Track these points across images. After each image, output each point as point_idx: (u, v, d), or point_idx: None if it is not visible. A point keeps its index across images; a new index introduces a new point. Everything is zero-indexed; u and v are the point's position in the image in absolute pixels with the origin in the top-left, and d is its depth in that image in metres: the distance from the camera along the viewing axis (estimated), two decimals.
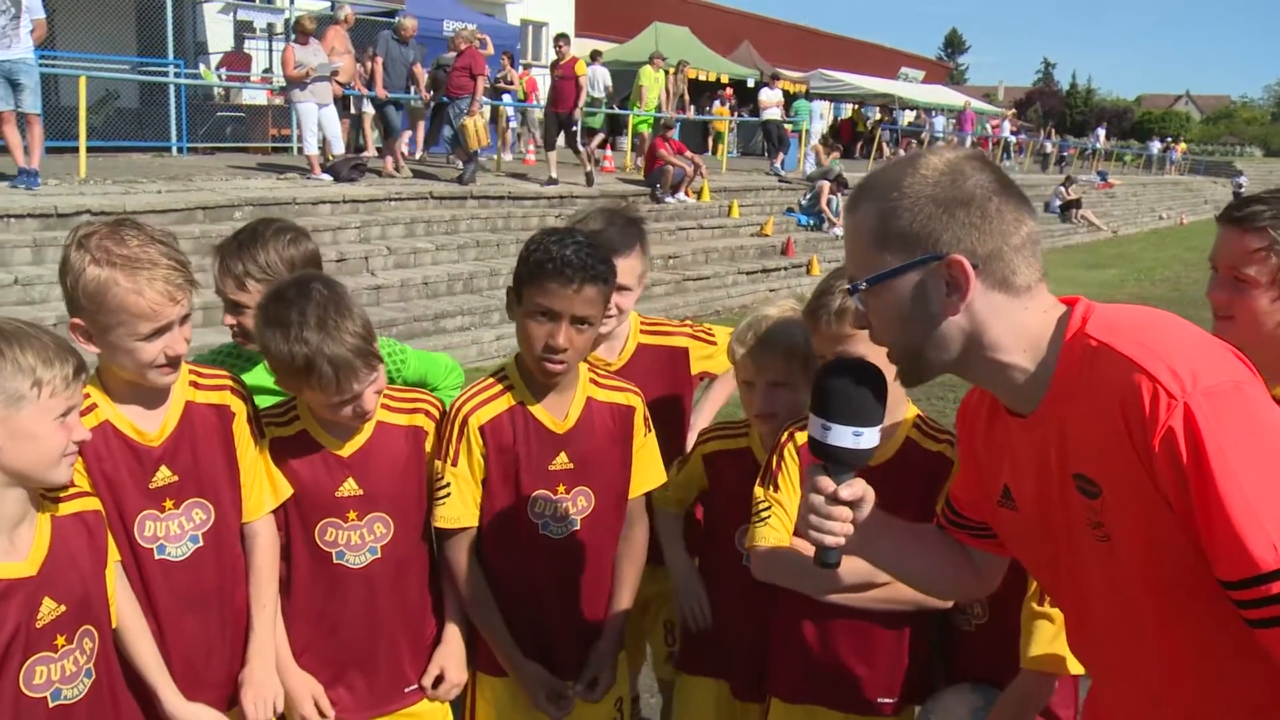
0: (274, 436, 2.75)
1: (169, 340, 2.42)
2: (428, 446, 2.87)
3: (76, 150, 12.57)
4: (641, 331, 3.37)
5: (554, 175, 16.10)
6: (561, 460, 2.85)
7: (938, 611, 2.88)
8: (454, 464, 2.81)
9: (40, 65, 11.34)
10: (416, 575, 2.90)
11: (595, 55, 20.74)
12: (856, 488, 1.89)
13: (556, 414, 2.86)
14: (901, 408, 2.80)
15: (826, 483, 1.88)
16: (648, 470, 3.03)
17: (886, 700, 2.86)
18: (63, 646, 2.21)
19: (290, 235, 3.06)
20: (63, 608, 2.21)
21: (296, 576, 2.80)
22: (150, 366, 2.43)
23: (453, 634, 2.94)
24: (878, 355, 1.90)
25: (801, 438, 2.77)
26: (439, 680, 2.92)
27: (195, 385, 2.64)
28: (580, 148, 16.96)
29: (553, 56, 17.65)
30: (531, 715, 2.96)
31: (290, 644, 2.81)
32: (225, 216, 11.34)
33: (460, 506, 2.82)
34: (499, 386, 2.87)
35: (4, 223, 9.96)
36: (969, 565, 2.19)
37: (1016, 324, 1.72)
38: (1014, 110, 50.48)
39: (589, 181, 16.64)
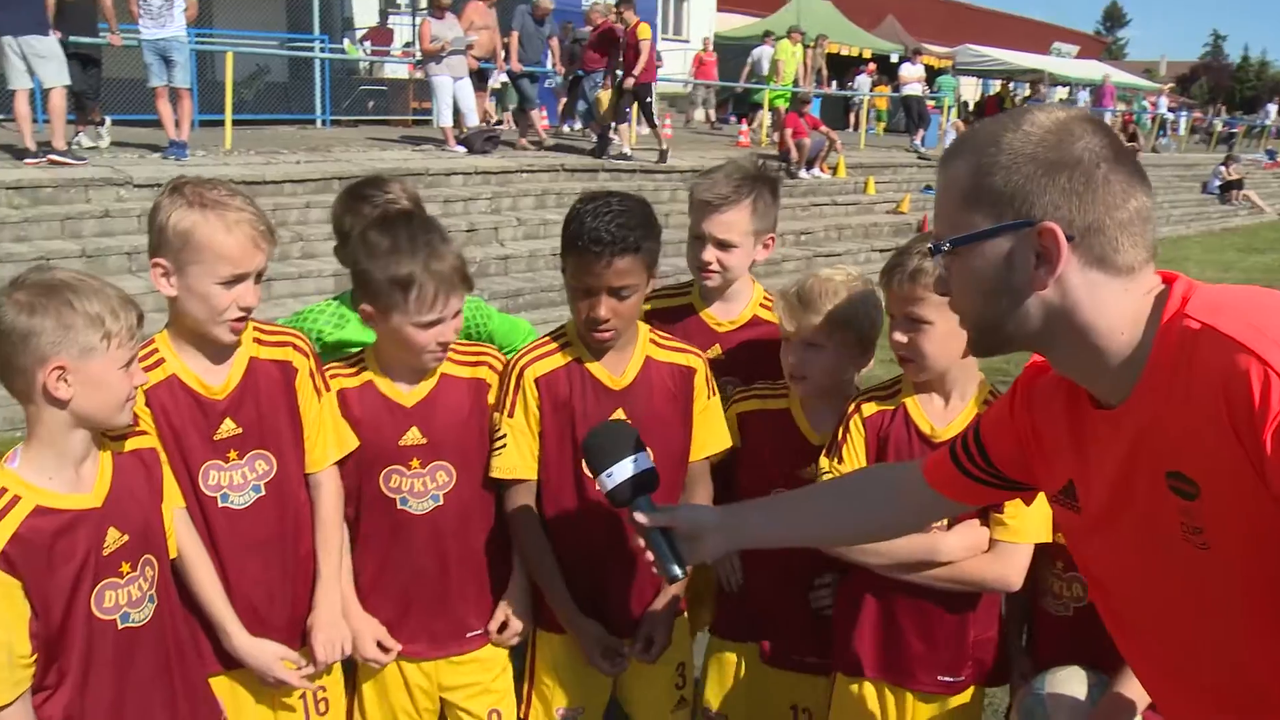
0: (341, 388, 2.84)
1: (242, 291, 2.53)
2: (490, 399, 2.93)
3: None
4: (761, 305, 3.30)
5: (626, 150, 15.33)
6: (618, 417, 2.85)
7: (1025, 595, 2.83)
8: (510, 415, 2.86)
9: (195, 42, 11.79)
10: (481, 524, 2.95)
11: (766, 35, 20.54)
12: (644, 516, 2.18)
13: (614, 371, 2.88)
14: (972, 384, 2.74)
15: (634, 518, 2.20)
16: (710, 433, 3.00)
17: (947, 679, 2.81)
18: (128, 573, 2.34)
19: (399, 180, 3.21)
20: (126, 537, 2.33)
21: (362, 522, 2.88)
22: (219, 316, 2.52)
23: (517, 583, 2.99)
24: (950, 321, 1.83)
25: (869, 409, 2.78)
26: (503, 626, 2.98)
27: (259, 341, 2.73)
28: (655, 123, 15.64)
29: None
30: (590, 673, 2.98)
31: (356, 587, 2.90)
32: None
33: (516, 458, 2.86)
34: (557, 343, 2.90)
35: (154, 191, 10.29)
36: (902, 507, 2.17)
37: (1114, 306, 1.55)
38: (1172, 85, 48.27)
39: (661, 159, 15.51)
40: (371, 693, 3.00)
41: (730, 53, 26.26)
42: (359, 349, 2.98)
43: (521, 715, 3.10)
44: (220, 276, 2.49)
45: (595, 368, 2.88)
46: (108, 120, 12.57)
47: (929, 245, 1.72)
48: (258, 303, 2.60)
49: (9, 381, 2.20)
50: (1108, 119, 27.90)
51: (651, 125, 15.45)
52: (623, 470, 2.23)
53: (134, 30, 11.52)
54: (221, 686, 2.71)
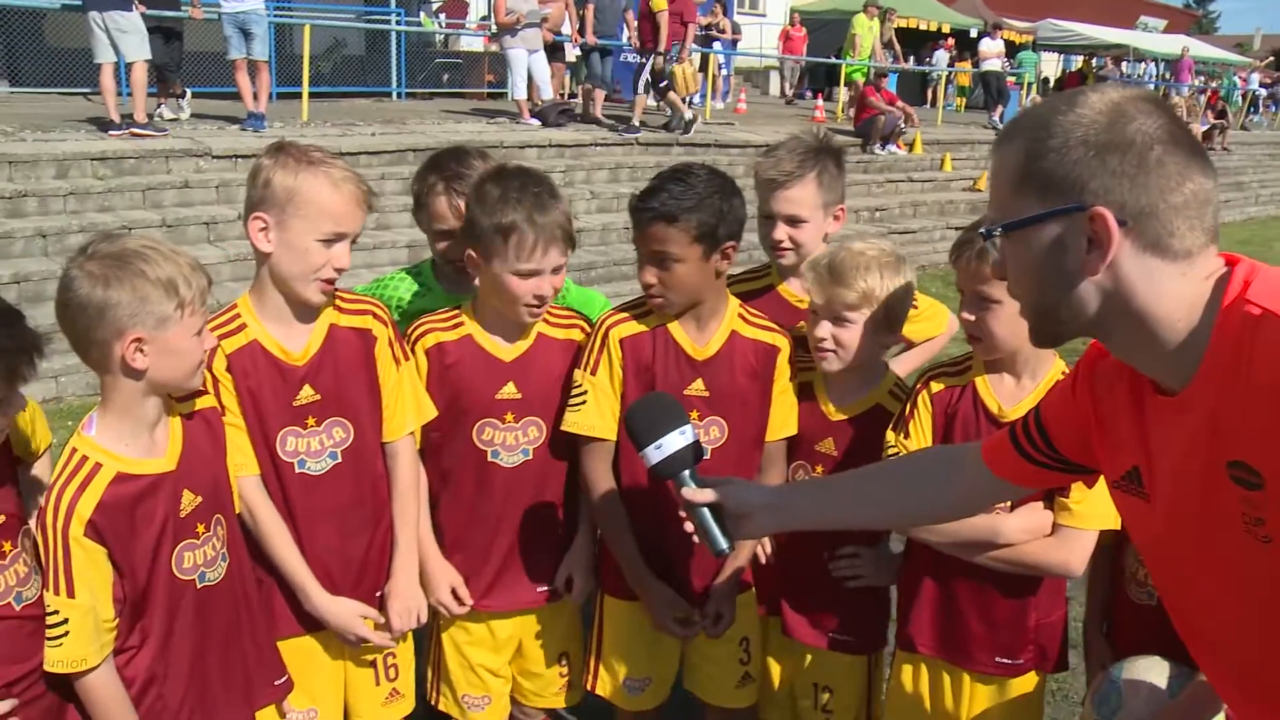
0: (438, 341, 2.87)
1: (339, 251, 2.55)
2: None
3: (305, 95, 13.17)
4: None
5: (636, 122, 14.49)
6: (697, 386, 2.88)
7: (1107, 581, 2.82)
8: (593, 373, 2.89)
9: (273, 15, 11.91)
10: (558, 480, 3.00)
11: (887, 14, 20.25)
12: (693, 491, 2.20)
13: (697, 341, 2.89)
14: (1045, 366, 2.69)
15: (681, 493, 2.22)
16: (788, 415, 2.99)
17: (1005, 661, 2.78)
18: (203, 534, 2.39)
19: (488, 155, 3.21)
20: (199, 498, 2.38)
21: (453, 472, 2.93)
22: (314, 275, 2.54)
23: (580, 543, 3.05)
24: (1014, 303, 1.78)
25: (937, 386, 2.75)
26: (569, 584, 3.02)
27: (339, 309, 2.74)
28: (664, 95, 14.77)
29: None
30: (655, 640, 3.01)
31: (439, 537, 2.94)
32: None
33: (595, 416, 2.88)
34: (646, 306, 2.91)
35: (232, 162, 10.50)
36: (958, 490, 2.14)
37: (1170, 292, 1.51)
38: (1270, 59, 46.61)
39: (682, 128, 14.75)
40: (449, 646, 3.05)
41: (809, 27, 25.97)
42: (454, 306, 2.99)
43: (589, 685, 3.13)
44: (322, 232, 2.51)
45: (680, 334, 2.89)
46: (188, 93, 12.76)
47: (981, 230, 1.69)
48: (348, 266, 2.61)
49: (85, 353, 2.22)
50: (1183, 95, 27.17)
51: (661, 96, 14.85)
52: (671, 443, 2.24)
53: (214, 4, 11.68)
54: (297, 649, 2.76)
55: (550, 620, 3.10)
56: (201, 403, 2.49)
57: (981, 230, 1.68)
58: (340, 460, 2.72)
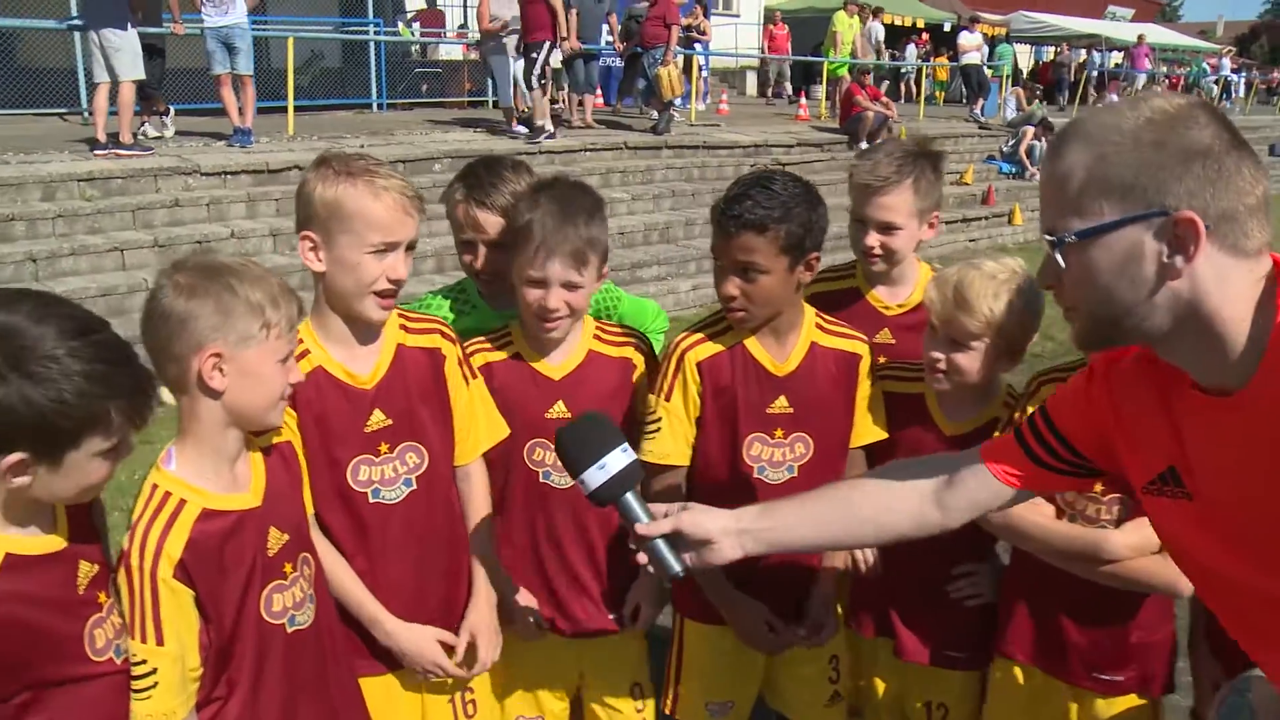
0: (486, 362, 2.77)
1: (393, 262, 2.42)
2: (634, 379, 2.88)
3: (285, 109, 13.01)
4: None
5: (541, 123, 13.26)
6: (780, 404, 2.78)
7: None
8: (667, 399, 2.79)
9: (252, 29, 11.76)
10: None
11: (877, 11, 20.10)
12: (647, 527, 2.04)
13: (777, 356, 2.79)
14: None
15: (633, 528, 2.06)
16: (870, 421, 2.91)
17: (1105, 677, 2.70)
18: (290, 574, 2.26)
19: (523, 165, 3.10)
20: (286, 536, 2.24)
21: (505, 494, 2.83)
22: (368, 289, 2.42)
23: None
24: None
25: (1047, 391, 2.62)
26: (635, 613, 2.91)
27: (405, 329, 2.63)
28: (533, 86, 13.24)
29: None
30: (737, 661, 2.94)
31: (500, 559, 2.84)
32: (425, 169, 11.54)
33: (670, 443, 2.79)
34: (721, 325, 2.81)
35: (221, 179, 10.33)
36: (931, 502, 2.06)
37: (1241, 293, 1.53)
38: (1232, 48, 47.07)
39: (534, 132, 13.30)
40: (501, 665, 2.89)
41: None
42: (503, 325, 2.89)
43: (668, 709, 3.05)
44: (370, 245, 2.39)
45: (758, 351, 2.79)
46: (172, 110, 12.57)
47: (1045, 237, 1.64)
48: (407, 275, 2.48)
49: (163, 369, 2.08)
50: (1140, 82, 27.32)
51: (528, 88, 13.39)
52: (614, 461, 2.08)
53: (196, 19, 11.52)
54: (375, 687, 2.62)
55: (617, 649, 2.98)
56: (278, 437, 2.36)
57: (1048, 238, 1.62)
58: (415, 487, 2.60)
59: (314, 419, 2.48)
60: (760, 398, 2.78)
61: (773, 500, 2.27)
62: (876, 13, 22.21)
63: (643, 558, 2.08)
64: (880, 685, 3.09)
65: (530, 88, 13.21)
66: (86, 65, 12.12)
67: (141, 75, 10.68)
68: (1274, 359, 1.50)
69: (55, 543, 1.92)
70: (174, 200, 9.82)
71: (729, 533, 2.07)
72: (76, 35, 12.73)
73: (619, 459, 2.08)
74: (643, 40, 15.33)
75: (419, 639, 2.61)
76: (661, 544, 2.04)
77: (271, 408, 2.17)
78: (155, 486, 2.09)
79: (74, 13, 11.46)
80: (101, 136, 10.35)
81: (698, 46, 19.89)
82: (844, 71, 19.80)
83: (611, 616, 2.90)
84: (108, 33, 10.23)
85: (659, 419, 2.78)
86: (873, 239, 3.00)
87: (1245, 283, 1.52)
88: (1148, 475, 1.75)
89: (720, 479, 2.82)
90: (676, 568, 2.04)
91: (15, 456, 1.74)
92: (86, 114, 13.06)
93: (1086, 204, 1.55)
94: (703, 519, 2.07)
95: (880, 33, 23.51)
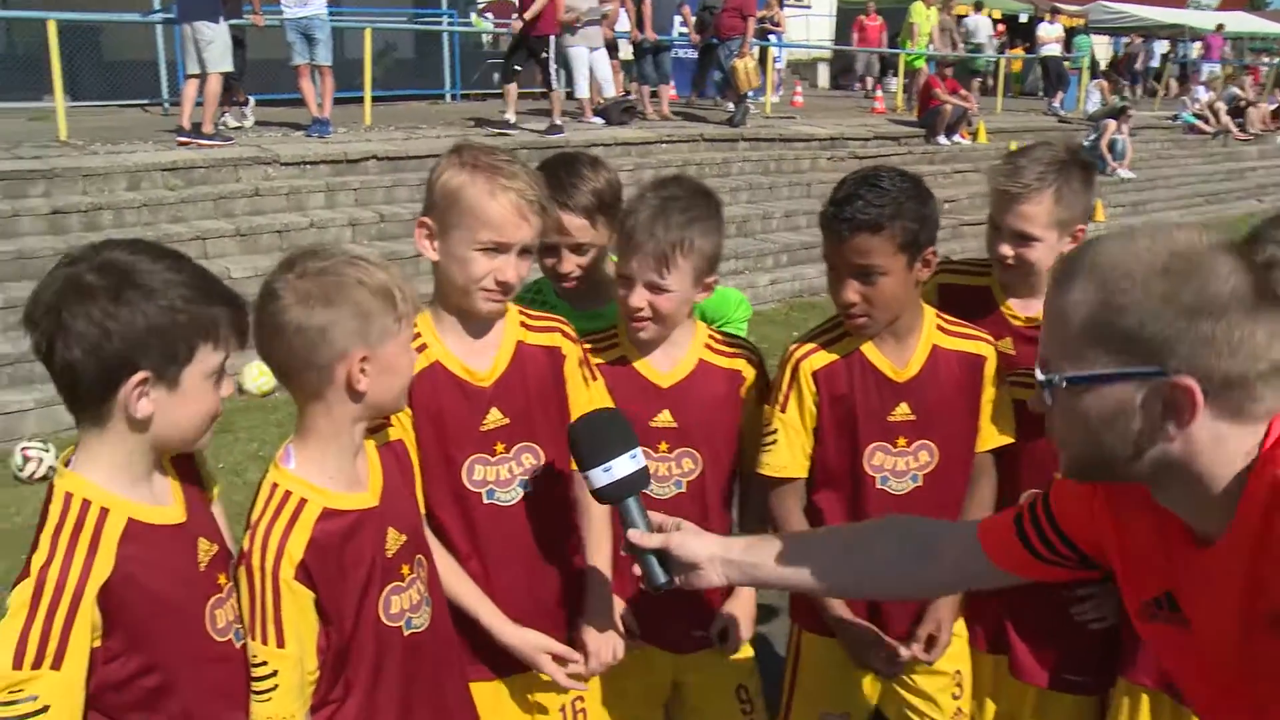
0: (594, 363, 2.69)
1: (501, 264, 2.34)
2: (742, 392, 2.78)
3: (360, 100, 13.07)
4: None
5: (509, 116, 12.87)
6: (902, 411, 2.67)
7: None
8: (783, 410, 2.69)
9: (331, 20, 11.82)
10: (720, 517, 2.78)
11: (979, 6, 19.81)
12: (640, 535, 2.10)
13: (897, 362, 2.67)
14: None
15: (627, 534, 2.13)
16: (998, 424, 2.78)
17: None
18: (408, 575, 2.18)
19: (601, 162, 3.03)
20: (404, 537, 2.17)
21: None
22: (476, 285, 2.35)
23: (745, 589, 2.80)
24: None
25: None
26: (724, 633, 2.79)
27: (525, 326, 2.55)
28: (554, 86, 12.86)
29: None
30: (854, 674, 2.86)
31: None
32: None
33: (787, 455, 2.69)
34: (836, 331, 2.70)
35: (300, 169, 10.37)
36: (942, 566, 2.00)
37: (1233, 453, 1.42)
38: None
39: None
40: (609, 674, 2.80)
41: (852, 18, 25.57)
42: (611, 325, 2.80)
43: (782, 716, 2.98)
44: (479, 242, 2.32)
45: (877, 357, 2.68)
46: (251, 100, 12.67)
47: (1036, 375, 1.53)
48: (519, 280, 2.40)
49: (297, 377, 2.02)
50: (1206, 73, 26.46)
51: (548, 86, 13.16)
52: (620, 467, 2.16)
53: (276, 11, 11.63)
54: (484, 693, 2.54)
55: (715, 661, 2.86)
56: (390, 434, 2.30)
57: (1038, 376, 1.52)
58: (532, 489, 2.51)
59: (429, 416, 2.41)
60: (880, 405, 2.67)
61: (767, 536, 2.31)
62: (947, 4, 21.75)
63: (637, 570, 2.14)
64: (991, 706, 2.99)
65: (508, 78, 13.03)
66: (169, 57, 12.27)
67: (230, 68, 10.77)
68: (1246, 519, 1.41)
69: (176, 515, 1.91)
70: (254, 190, 9.88)
71: (714, 560, 2.09)
72: (158, 29, 12.88)
73: (625, 465, 2.15)
74: (718, 32, 15.19)
75: (530, 643, 2.51)
76: (650, 557, 2.10)
77: (403, 395, 2.14)
78: (275, 485, 2.03)
79: (156, 6, 11.56)
80: (186, 126, 10.44)
81: (773, 38, 19.72)
82: (921, 64, 19.47)
83: (700, 634, 2.81)
84: (200, 25, 10.33)
85: (775, 431, 2.70)
86: (1006, 248, 2.83)
87: (1244, 447, 1.42)
88: (1144, 596, 1.68)
89: (841, 490, 2.73)
90: (661, 580, 2.10)
91: (139, 375, 1.76)
92: (167, 105, 13.25)
93: (1083, 349, 1.45)
94: (691, 544, 2.09)
95: (987, 28, 22.95)
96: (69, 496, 1.79)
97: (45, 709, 1.65)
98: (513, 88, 13.02)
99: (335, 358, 1.97)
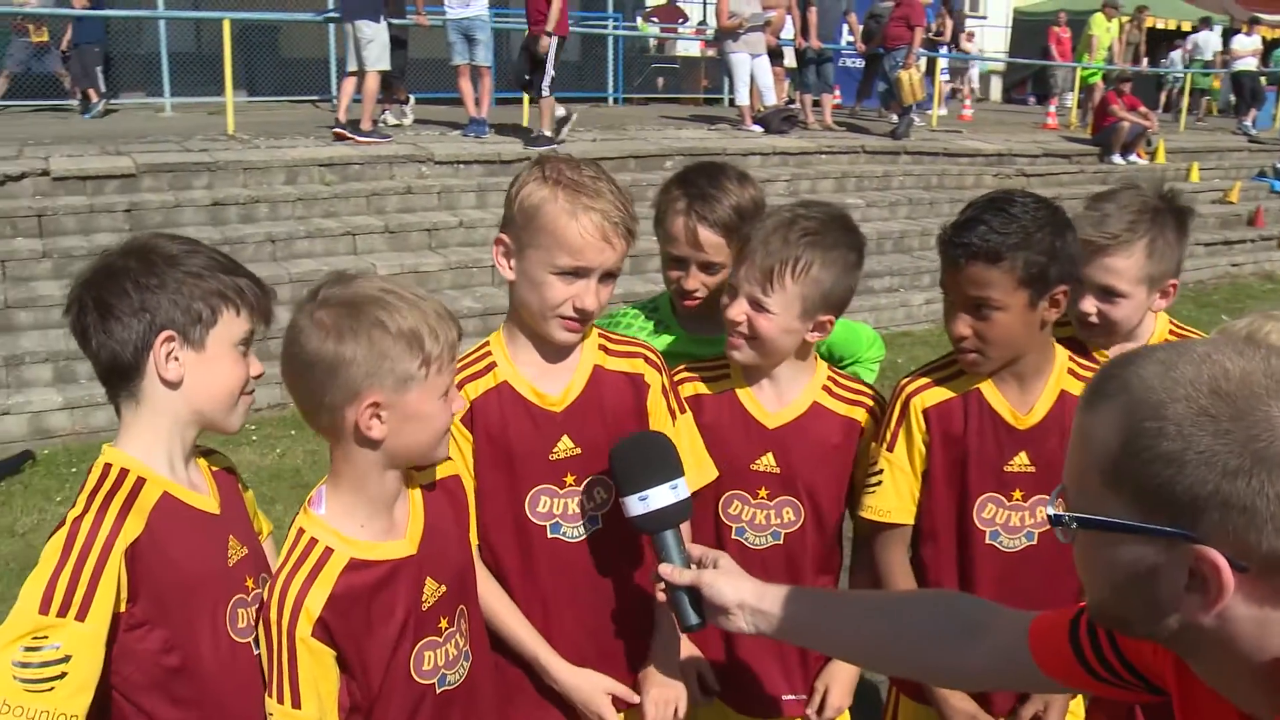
0: (698, 393, 2.50)
1: (580, 290, 2.15)
2: (858, 444, 2.55)
3: (521, 101, 13.08)
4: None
5: (538, 127, 11.83)
6: (1020, 461, 2.41)
7: None
8: (890, 449, 2.45)
9: (493, 22, 11.89)
10: (812, 576, 2.53)
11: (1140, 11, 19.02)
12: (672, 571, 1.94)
13: (1019, 406, 2.40)
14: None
15: (659, 567, 1.98)
16: None
17: None
18: (445, 629, 2.02)
19: (749, 178, 2.79)
20: (443, 588, 2.01)
21: None
22: (553, 312, 2.16)
23: None
24: None
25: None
26: (822, 703, 2.56)
27: (605, 349, 2.35)
28: (544, 93, 11.77)
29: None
30: None
31: None
32: (656, 165, 11.36)
33: (893, 499, 2.45)
34: (953, 367, 2.44)
35: (454, 168, 10.44)
36: (984, 659, 1.72)
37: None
38: None
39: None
40: None
41: (1028, 28, 24.72)
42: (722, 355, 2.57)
43: None
44: (556, 266, 2.13)
45: (996, 400, 2.41)
46: (412, 99, 12.85)
47: (1050, 512, 1.29)
48: (599, 307, 2.21)
49: (313, 417, 1.88)
50: None
51: (534, 98, 12.21)
52: (658, 498, 2.03)
53: (439, 11, 11.74)
54: None
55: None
56: (444, 470, 2.12)
57: (1050, 513, 1.29)
58: (601, 526, 2.32)
59: (493, 440, 2.24)
60: (997, 453, 2.41)
61: (808, 589, 2.13)
62: (1137, 15, 20.76)
63: (663, 596, 2.00)
64: None
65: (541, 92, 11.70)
66: (340, 55, 12.57)
67: (387, 66, 10.92)
68: None
69: (210, 505, 1.95)
70: (407, 187, 9.97)
71: (744, 608, 1.90)
72: (331, 27, 13.18)
73: (663, 495, 2.02)
74: (884, 41, 14.81)
75: (586, 685, 2.33)
76: (683, 595, 1.95)
77: (436, 445, 1.96)
78: (301, 531, 1.90)
79: (330, 5, 11.89)
80: (343, 120, 10.63)
81: (941, 49, 19.17)
82: (1097, 78, 18.63)
83: (789, 698, 2.58)
84: (361, 24, 10.50)
85: (881, 471, 2.46)
86: (1089, 304, 2.57)
87: None
88: None
89: (947, 544, 2.49)
90: (693, 620, 1.94)
91: (165, 333, 1.83)
92: (334, 101, 13.57)
93: (1101, 488, 1.20)
94: (722, 586, 1.91)
95: (1214, 44, 21.80)
96: (108, 466, 1.85)
97: (67, 659, 1.67)
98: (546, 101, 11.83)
99: (344, 400, 1.82)
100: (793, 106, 14.89)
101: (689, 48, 20.91)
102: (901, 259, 11.46)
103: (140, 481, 1.84)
